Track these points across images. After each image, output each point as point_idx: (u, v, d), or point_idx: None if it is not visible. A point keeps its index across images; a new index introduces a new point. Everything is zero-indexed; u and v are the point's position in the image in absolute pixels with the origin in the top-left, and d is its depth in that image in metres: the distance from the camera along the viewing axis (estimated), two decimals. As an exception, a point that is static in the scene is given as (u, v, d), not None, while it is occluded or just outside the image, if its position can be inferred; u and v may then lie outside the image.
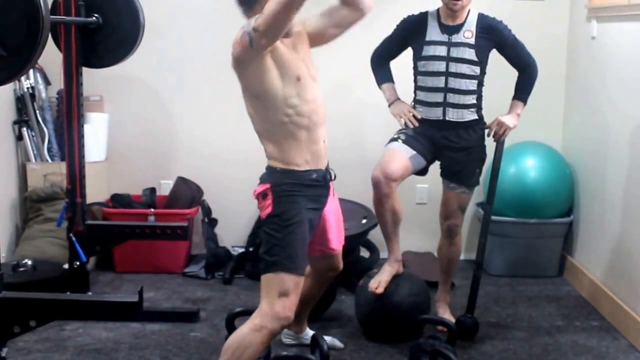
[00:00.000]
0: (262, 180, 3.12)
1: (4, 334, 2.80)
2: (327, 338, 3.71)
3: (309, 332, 3.77)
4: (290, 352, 3.69)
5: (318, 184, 3.16)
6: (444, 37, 3.87)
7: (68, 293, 4.12)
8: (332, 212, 3.33)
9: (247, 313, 3.75)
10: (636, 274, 4.08)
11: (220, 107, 5.24)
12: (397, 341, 3.92)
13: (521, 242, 5.09)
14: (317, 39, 3.21)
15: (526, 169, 5.05)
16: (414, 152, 3.89)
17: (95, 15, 4.16)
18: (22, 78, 5.03)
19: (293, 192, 3.05)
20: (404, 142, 3.91)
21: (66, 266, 4.40)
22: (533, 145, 5.20)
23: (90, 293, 4.35)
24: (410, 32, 3.95)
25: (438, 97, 3.90)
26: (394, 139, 3.96)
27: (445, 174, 4.08)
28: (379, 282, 3.89)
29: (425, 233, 5.13)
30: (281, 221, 3.02)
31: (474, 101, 3.94)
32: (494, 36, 3.88)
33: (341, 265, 3.58)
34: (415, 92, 4.04)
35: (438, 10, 3.93)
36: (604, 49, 4.67)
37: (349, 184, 5.29)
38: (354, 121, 5.37)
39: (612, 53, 4.54)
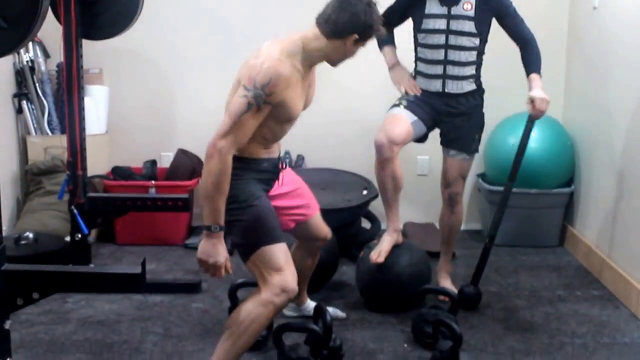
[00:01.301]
0: None
1: (7, 306, 2.80)
2: (330, 309, 3.72)
3: (311, 304, 3.77)
4: (294, 322, 3.71)
5: (268, 171, 3.11)
6: (444, 10, 3.83)
7: (70, 265, 4.13)
8: (287, 184, 3.27)
9: (250, 284, 3.78)
10: (637, 243, 4.08)
11: (221, 78, 5.18)
12: (399, 311, 3.93)
13: (522, 213, 5.09)
14: None
15: (527, 139, 5.03)
16: (416, 118, 3.89)
17: (95, -14, 4.14)
18: (22, 51, 5.01)
19: (243, 175, 2.97)
20: (406, 107, 3.90)
21: (68, 239, 4.41)
22: (534, 115, 5.18)
23: (92, 265, 4.36)
24: (410, 4, 3.92)
25: (438, 70, 3.89)
26: (395, 105, 3.95)
27: (445, 141, 4.08)
28: (379, 252, 3.89)
29: (426, 204, 5.13)
30: (240, 203, 2.95)
31: (473, 72, 3.93)
32: (493, 6, 3.84)
33: (326, 232, 3.55)
34: (415, 63, 4.02)
35: None
36: (605, 19, 4.65)
37: (349, 155, 5.33)
38: (353, 93, 5.35)
39: (613, 23, 4.52)
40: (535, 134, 4.99)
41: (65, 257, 4.36)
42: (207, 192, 2.82)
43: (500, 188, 4.97)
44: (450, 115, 3.96)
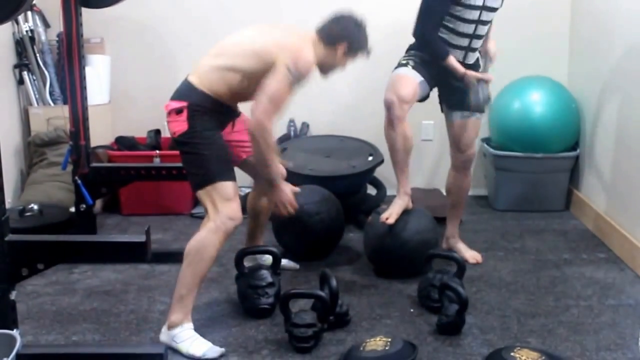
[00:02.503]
0: (180, 96, 3.31)
1: (13, 277, 2.80)
2: (284, 260, 3.95)
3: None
4: (300, 288, 3.72)
5: (228, 113, 3.46)
6: None
7: (74, 235, 4.13)
8: (238, 125, 3.57)
9: (256, 252, 3.78)
10: (643, 205, 4.08)
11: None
12: (407, 276, 3.93)
13: (527, 177, 5.08)
14: None
15: (532, 103, 5.02)
16: (422, 79, 3.88)
17: (94, -47, 4.10)
18: (21, 21, 4.98)
19: (207, 111, 3.27)
20: (413, 67, 3.89)
21: (72, 209, 4.41)
22: (538, 79, 5.16)
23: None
24: None
25: (463, 42, 3.89)
26: (402, 64, 3.93)
27: (455, 104, 4.06)
28: (390, 213, 3.89)
29: (431, 170, 5.12)
30: (202, 137, 3.25)
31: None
32: None
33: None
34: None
35: None
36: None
37: (354, 121, 5.30)
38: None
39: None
40: (539, 98, 5.03)
41: (70, 228, 4.37)
42: (268, 159, 3.37)
43: (507, 153, 5.01)
44: (455, 79, 3.92)
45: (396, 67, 3.95)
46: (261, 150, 3.31)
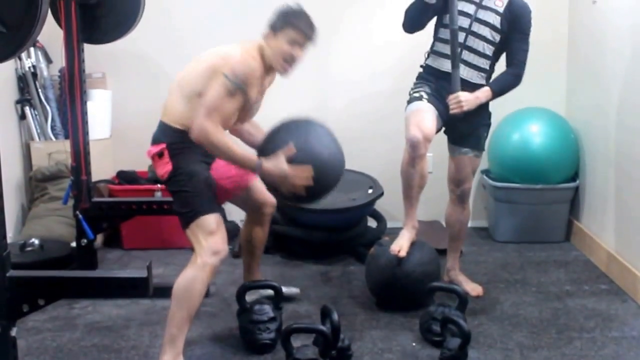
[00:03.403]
0: (156, 140, 3.37)
1: (13, 313, 2.79)
2: (284, 288, 3.89)
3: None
4: (302, 322, 3.70)
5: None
6: None
7: (75, 271, 4.13)
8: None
9: (258, 287, 3.77)
10: (644, 236, 4.08)
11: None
12: (408, 309, 3.92)
13: (528, 208, 5.09)
14: None
15: (531, 134, 5.03)
16: (437, 112, 3.90)
17: (95, -11, 4.14)
18: (24, 57, 5.01)
19: (185, 147, 3.28)
20: (428, 100, 3.90)
21: (74, 244, 4.41)
22: (537, 110, 5.18)
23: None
24: None
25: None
26: (416, 98, 3.93)
27: (455, 138, 4.08)
28: (400, 245, 3.89)
29: (432, 201, 5.10)
30: (184, 175, 3.27)
31: (486, 67, 3.95)
32: (516, 12, 3.88)
33: (269, 198, 3.69)
34: (433, 43, 4.03)
35: None
36: (605, 14, 4.64)
37: (353, 154, 5.29)
38: (357, 91, 5.35)
39: (613, 17, 4.51)
40: (538, 129, 5.04)
41: (71, 263, 4.36)
42: (228, 157, 3.26)
43: (507, 184, 5.02)
44: (458, 118, 3.94)
45: (410, 101, 3.95)
46: (217, 152, 3.25)
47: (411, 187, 3.89)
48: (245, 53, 3.27)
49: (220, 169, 3.49)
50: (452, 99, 3.86)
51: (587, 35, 4.99)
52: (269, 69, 3.40)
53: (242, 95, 3.23)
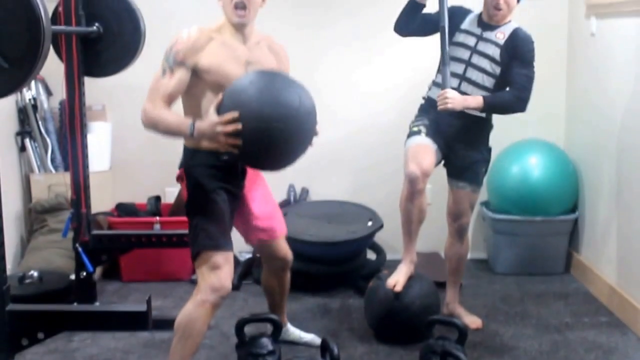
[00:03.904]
0: (180, 163, 3.31)
1: (12, 347, 2.80)
2: (305, 334, 3.91)
3: (290, 329, 3.95)
4: (301, 356, 3.69)
5: (229, 165, 3.21)
6: (477, 30, 3.94)
7: (75, 304, 4.11)
8: (256, 200, 3.45)
9: (257, 320, 3.76)
10: (644, 268, 4.08)
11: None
12: (408, 343, 3.91)
13: (527, 240, 5.09)
14: None
15: (530, 166, 5.04)
16: (436, 146, 3.92)
17: (96, 24, 4.15)
18: (24, 89, 5.03)
19: (202, 173, 3.20)
20: (427, 135, 3.92)
21: (73, 277, 4.40)
22: (536, 142, 5.20)
23: (97, 303, 4.34)
24: (451, 15, 3.93)
25: (453, 83, 3.90)
26: (415, 133, 3.95)
27: (453, 174, 4.10)
28: (396, 280, 3.90)
29: (430, 234, 5.10)
30: (195, 205, 3.19)
31: None
32: (517, 42, 3.90)
33: (288, 255, 3.67)
34: (436, 75, 4.06)
35: (481, 12, 4.00)
36: (603, 46, 4.67)
37: (352, 186, 5.32)
38: (354, 125, 5.37)
39: (611, 49, 4.54)
40: (537, 161, 5.05)
41: (70, 295, 4.35)
42: (165, 128, 3.11)
43: (506, 216, 5.01)
44: (460, 143, 3.97)
45: (409, 136, 3.97)
46: (156, 129, 3.12)
47: (410, 221, 3.91)
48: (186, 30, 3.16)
49: (260, 206, 3.47)
50: (440, 95, 3.84)
51: (586, 66, 5.02)
52: (245, 37, 3.24)
53: (184, 69, 3.12)
